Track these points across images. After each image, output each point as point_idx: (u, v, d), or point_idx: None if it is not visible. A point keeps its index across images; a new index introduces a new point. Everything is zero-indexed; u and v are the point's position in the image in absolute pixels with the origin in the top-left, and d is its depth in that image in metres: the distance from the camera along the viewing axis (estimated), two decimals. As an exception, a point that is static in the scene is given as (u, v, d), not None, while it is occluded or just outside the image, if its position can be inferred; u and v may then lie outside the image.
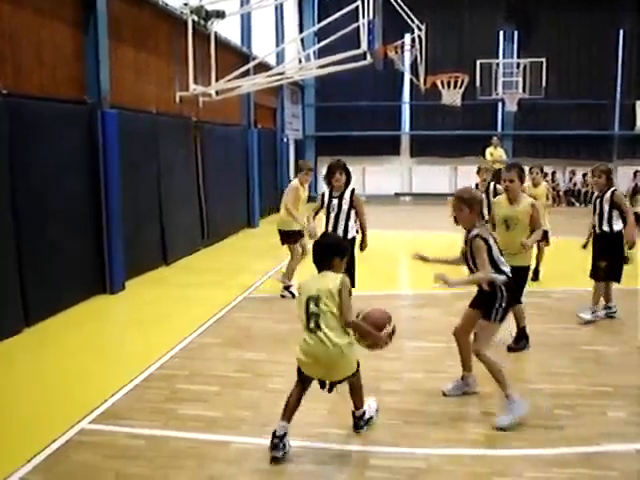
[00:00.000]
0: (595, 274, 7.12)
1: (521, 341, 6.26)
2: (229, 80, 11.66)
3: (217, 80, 11.82)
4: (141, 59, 10.20)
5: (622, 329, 6.89)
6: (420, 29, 13.71)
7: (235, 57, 14.45)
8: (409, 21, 13.31)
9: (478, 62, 20.54)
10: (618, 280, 7.06)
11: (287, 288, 8.36)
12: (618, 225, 6.95)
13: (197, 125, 12.08)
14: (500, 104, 21.67)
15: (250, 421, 4.60)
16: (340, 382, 4.21)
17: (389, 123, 22.45)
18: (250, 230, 15.07)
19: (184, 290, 8.87)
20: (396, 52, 14.11)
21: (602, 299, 7.25)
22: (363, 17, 10.09)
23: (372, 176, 22.65)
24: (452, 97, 16.42)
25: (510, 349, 6.16)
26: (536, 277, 9.13)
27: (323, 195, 7.10)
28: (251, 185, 15.36)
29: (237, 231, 14.28)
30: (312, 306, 4.02)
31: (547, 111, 21.55)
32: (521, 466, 4.02)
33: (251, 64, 12.98)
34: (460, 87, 16.42)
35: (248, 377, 5.46)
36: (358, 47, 10.24)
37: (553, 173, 21.82)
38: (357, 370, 4.24)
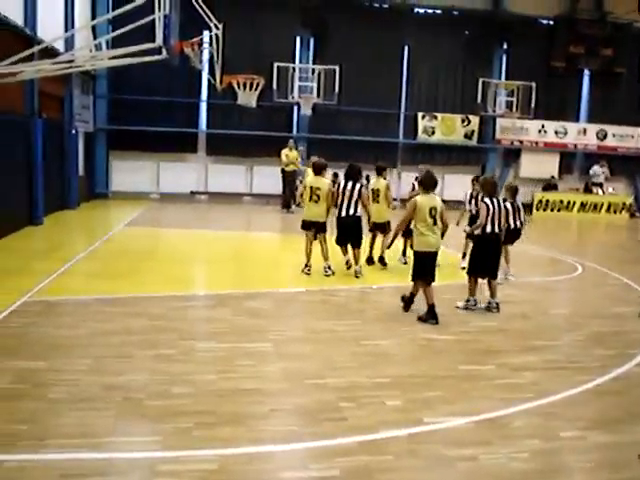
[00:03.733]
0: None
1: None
2: (9, 64, 10.69)
3: (-6, 63, 10.77)
4: None
5: (398, 324, 7.45)
6: (218, 28, 13.67)
7: (17, 39, 13.27)
8: (207, 19, 13.21)
9: (275, 65, 21.06)
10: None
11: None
12: None
13: (-30, 111, 10.93)
14: (296, 107, 22.37)
15: (26, 436, 4.26)
16: None
17: (186, 120, 22.09)
18: (33, 228, 13.93)
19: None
20: (193, 49, 13.92)
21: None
22: (159, 10, 9.80)
23: (167, 173, 22.15)
24: (248, 98, 16.61)
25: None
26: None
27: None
28: (34, 179, 14.21)
29: (18, 229, 13.14)
30: None
31: (339, 116, 22.68)
32: (308, 459, 4.19)
33: (35, 48, 12.02)
34: (256, 89, 16.65)
35: (26, 388, 5.05)
36: (154, 40, 9.93)
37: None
38: None
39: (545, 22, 23.95)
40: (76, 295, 8.15)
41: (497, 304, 8.14)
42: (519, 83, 23.15)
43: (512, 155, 24.71)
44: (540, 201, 23.47)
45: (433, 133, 23.56)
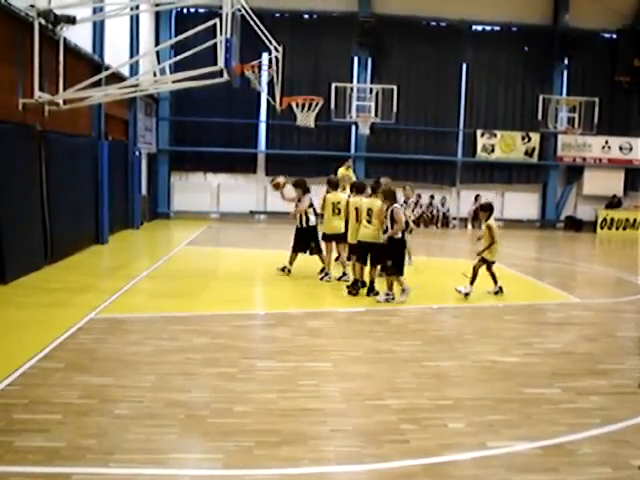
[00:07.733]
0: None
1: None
2: (79, 89, 11.15)
3: (65, 89, 11.26)
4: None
5: (459, 346, 7.34)
6: (277, 50, 13.87)
7: (86, 66, 13.86)
8: (267, 42, 13.45)
9: (333, 85, 21.25)
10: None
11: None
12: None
13: (42, 135, 11.40)
14: (354, 127, 22.48)
15: (95, 450, 4.38)
16: None
17: (245, 141, 22.49)
18: (99, 247, 14.40)
19: (24, 311, 8.27)
20: (253, 71, 14.16)
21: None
22: (220, 34, 10.06)
23: (227, 193, 22.56)
24: (306, 119, 16.80)
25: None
26: None
27: None
28: (100, 199, 14.70)
29: (84, 248, 13.59)
30: None
31: (397, 135, 22.69)
32: (369, 481, 4.16)
33: (103, 74, 12.51)
34: (314, 109, 16.83)
35: (93, 403, 5.20)
36: (215, 63, 10.19)
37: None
38: None
39: (608, 36, 23.41)
40: (140, 313, 8.38)
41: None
42: (581, 99, 22.65)
43: (574, 172, 24.14)
44: (604, 219, 22.84)
45: (492, 151, 23.26)
